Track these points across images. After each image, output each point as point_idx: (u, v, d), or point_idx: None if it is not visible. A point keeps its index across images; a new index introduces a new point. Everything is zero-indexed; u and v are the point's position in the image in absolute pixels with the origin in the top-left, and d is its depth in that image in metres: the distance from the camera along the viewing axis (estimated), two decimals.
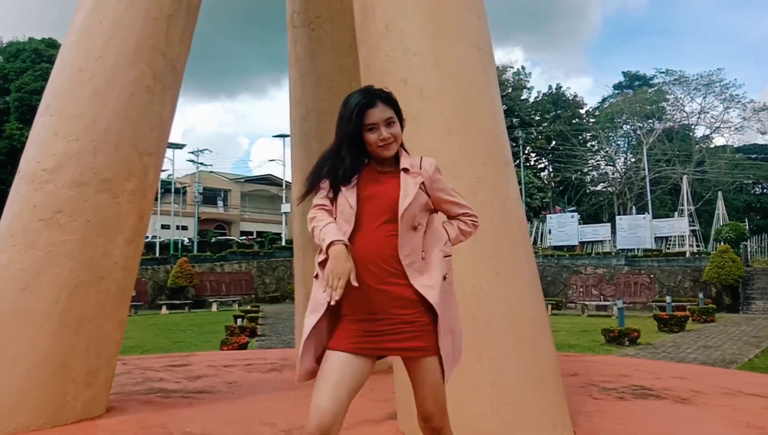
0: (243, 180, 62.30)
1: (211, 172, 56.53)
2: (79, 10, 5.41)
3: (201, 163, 50.71)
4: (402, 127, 2.47)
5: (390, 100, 2.45)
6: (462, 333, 2.51)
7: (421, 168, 2.44)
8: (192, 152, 51.55)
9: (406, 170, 2.41)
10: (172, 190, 46.57)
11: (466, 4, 4.67)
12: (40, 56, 39.13)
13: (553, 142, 59.39)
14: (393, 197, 2.34)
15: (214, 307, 29.82)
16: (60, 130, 5.01)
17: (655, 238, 36.92)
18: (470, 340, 3.96)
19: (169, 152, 43.19)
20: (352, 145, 2.38)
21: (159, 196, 38.32)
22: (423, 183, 2.42)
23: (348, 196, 2.34)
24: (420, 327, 2.32)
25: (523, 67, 71.61)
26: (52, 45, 39.15)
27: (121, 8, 5.25)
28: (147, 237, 6.14)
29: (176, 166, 57.13)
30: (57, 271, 4.79)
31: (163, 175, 41.58)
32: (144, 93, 5.30)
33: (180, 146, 47.41)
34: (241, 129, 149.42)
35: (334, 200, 2.38)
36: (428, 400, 2.39)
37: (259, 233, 53.69)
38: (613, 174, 57.49)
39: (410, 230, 2.35)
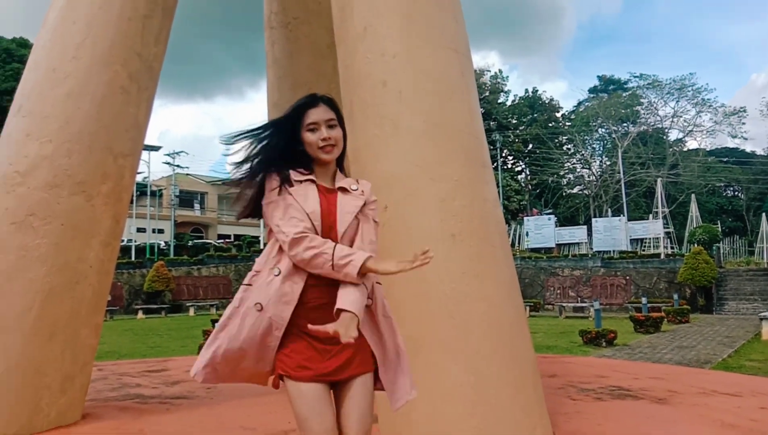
0: (220, 182, 61.58)
1: (188, 174, 55.93)
2: (52, 9, 5.31)
3: (177, 166, 50.17)
4: (344, 138, 2.37)
5: (333, 105, 2.35)
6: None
7: (362, 192, 2.35)
8: (168, 154, 51.04)
9: (343, 190, 2.31)
10: (148, 193, 46.00)
11: (443, 6, 4.68)
12: (11, 56, 38.43)
13: (530, 145, 59.93)
14: (333, 216, 2.25)
15: (192, 312, 29.49)
16: (33, 132, 4.92)
17: (631, 240, 37.39)
18: (449, 342, 3.97)
19: (144, 154, 42.75)
20: (286, 137, 2.28)
21: (135, 198, 37.84)
22: (361, 206, 2.32)
23: (302, 200, 2.22)
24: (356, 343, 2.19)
25: (500, 71, 72.15)
26: (24, 45, 38.49)
27: (95, 8, 5.17)
28: (123, 240, 6.05)
29: (152, 168, 56.33)
30: (30, 275, 4.69)
31: (139, 178, 41.05)
32: (119, 94, 5.22)
33: (156, 148, 46.88)
34: (218, 131, 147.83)
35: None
36: (361, 423, 2.24)
37: (237, 236, 53.23)
38: (588, 177, 58.19)
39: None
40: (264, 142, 2.29)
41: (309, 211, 2.19)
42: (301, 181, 2.26)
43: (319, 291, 2.20)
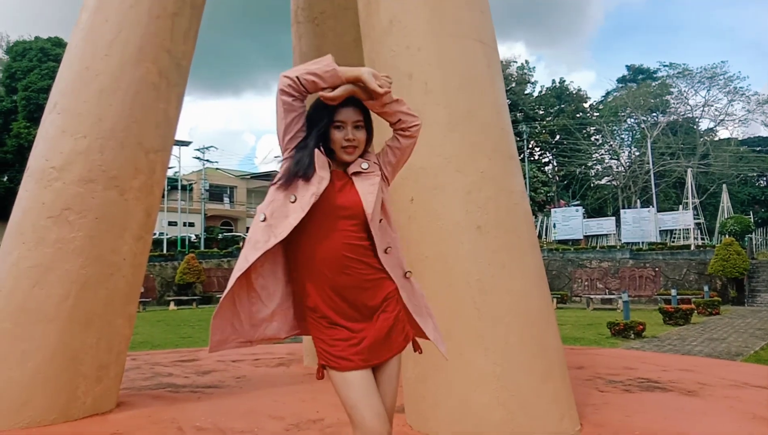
0: (249, 176, 62.34)
1: (217, 169, 56.64)
2: (84, 9, 5.44)
3: (207, 160, 50.86)
4: (370, 139, 2.43)
5: (363, 107, 2.39)
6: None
7: (372, 168, 2.39)
8: (198, 149, 51.67)
9: (357, 174, 2.36)
10: (179, 187, 46.69)
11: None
12: (46, 55, 39.29)
13: (557, 137, 59.26)
14: (357, 201, 2.30)
15: None
16: (68, 128, 5.05)
17: (660, 231, 36.83)
18: (476, 333, 4.01)
19: (175, 149, 43.33)
20: (318, 135, 2.32)
21: (166, 193, 38.44)
22: (382, 174, 2.40)
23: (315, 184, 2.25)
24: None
25: (526, 62, 71.53)
26: (59, 44, 39.30)
27: (126, 6, 5.28)
28: (154, 234, 6.19)
29: (182, 163, 57.19)
30: (66, 267, 4.84)
31: (170, 173, 41.74)
32: (150, 90, 5.33)
33: (186, 143, 47.52)
34: (247, 126, 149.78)
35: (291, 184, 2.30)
36: (390, 404, 2.33)
37: None
38: (617, 168, 57.36)
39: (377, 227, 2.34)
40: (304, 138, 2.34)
41: (302, 201, 2.24)
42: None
43: (349, 278, 2.25)
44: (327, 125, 2.33)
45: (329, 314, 2.26)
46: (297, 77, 2.25)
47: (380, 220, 2.35)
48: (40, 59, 39.18)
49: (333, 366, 2.23)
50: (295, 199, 2.26)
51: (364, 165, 2.38)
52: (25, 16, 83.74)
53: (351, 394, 2.21)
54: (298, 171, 2.27)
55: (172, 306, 28.00)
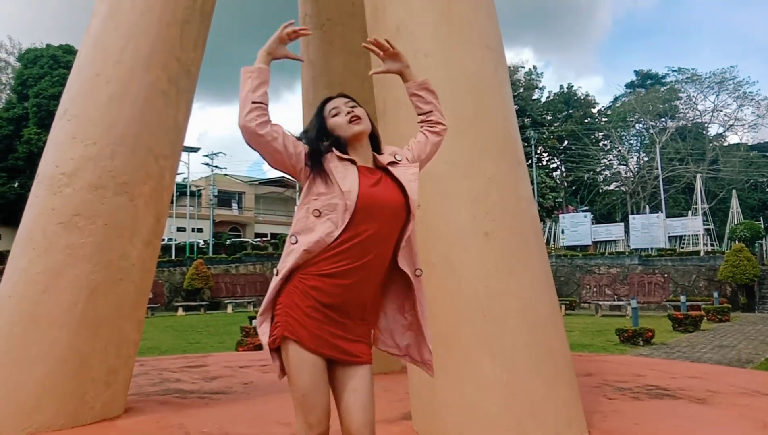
0: (257, 182, 62.56)
1: (226, 174, 56.85)
2: (95, 17, 5.49)
3: (216, 166, 51.07)
4: (375, 134, 2.44)
5: (351, 98, 2.45)
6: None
7: (404, 158, 2.42)
8: (207, 155, 52.03)
9: (393, 163, 2.36)
10: (188, 193, 46.90)
11: (476, 4, 4.69)
12: (57, 62, 39.66)
13: (565, 142, 59.14)
14: (394, 195, 2.29)
15: (230, 309, 29.98)
16: (78, 134, 5.09)
17: (669, 237, 36.67)
18: (483, 339, 3.99)
19: (184, 155, 43.55)
20: (320, 134, 2.35)
21: (175, 198, 38.61)
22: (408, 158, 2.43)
23: (344, 177, 2.24)
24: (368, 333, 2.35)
25: (534, 67, 71.22)
26: (69, 51, 39.65)
27: (136, 14, 5.33)
28: (163, 239, 6.21)
29: (191, 169, 57.57)
30: (76, 273, 4.87)
31: (179, 178, 41.94)
32: (159, 97, 5.37)
33: (195, 150, 47.75)
34: None
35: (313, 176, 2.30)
36: (367, 414, 2.27)
37: (273, 235, 53.88)
38: (626, 173, 57.17)
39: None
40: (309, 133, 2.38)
41: (345, 189, 2.20)
42: (341, 159, 2.30)
43: (355, 275, 2.22)
44: (322, 122, 2.36)
45: (315, 293, 2.20)
46: (255, 104, 2.28)
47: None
48: (51, 66, 39.55)
49: (298, 339, 2.17)
50: (326, 190, 2.24)
51: (398, 156, 2.39)
52: (36, 23, 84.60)
53: (305, 378, 2.18)
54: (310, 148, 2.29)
55: (180, 311, 28.09)
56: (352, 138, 2.34)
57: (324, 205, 2.21)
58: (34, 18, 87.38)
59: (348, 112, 2.34)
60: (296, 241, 2.23)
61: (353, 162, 2.31)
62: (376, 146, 2.44)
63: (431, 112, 2.50)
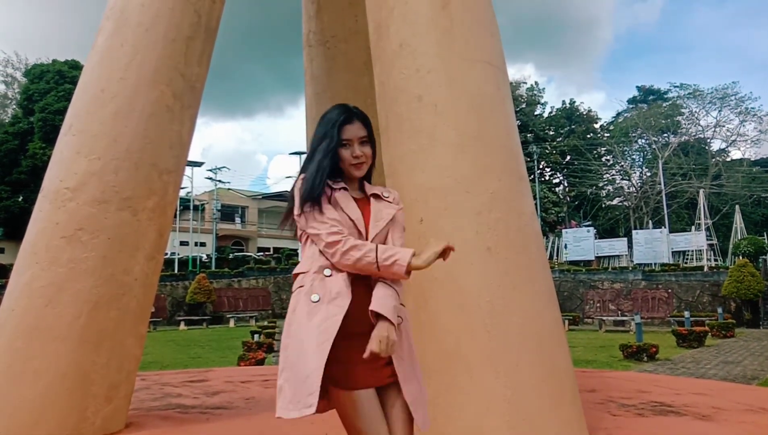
0: (260, 197, 62.72)
1: (229, 189, 57.02)
2: (101, 33, 5.54)
3: (219, 181, 51.25)
4: (374, 153, 2.46)
5: (366, 120, 2.44)
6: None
7: (393, 199, 2.46)
8: (210, 170, 52.13)
9: (376, 196, 2.42)
10: (191, 207, 47.02)
11: (479, 22, 4.73)
12: (63, 77, 39.98)
13: (568, 157, 59.22)
14: (365, 223, 2.34)
15: (232, 323, 29.93)
16: (82, 149, 5.12)
17: (673, 252, 36.58)
18: (486, 355, 3.98)
19: (188, 170, 43.68)
20: (328, 156, 2.35)
21: (178, 213, 38.70)
22: (393, 214, 2.42)
23: (345, 210, 2.31)
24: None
25: (536, 83, 71.75)
26: (75, 66, 39.99)
27: (141, 30, 5.38)
28: (166, 253, 6.22)
29: (195, 183, 57.71)
30: (78, 287, 4.87)
31: (182, 193, 41.99)
32: (164, 112, 5.41)
33: (199, 164, 47.96)
34: (259, 147, 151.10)
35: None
36: (407, 429, 2.25)
37: (276, 249, 53.93)
38: (628, 188, 57.18)
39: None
40: (312, 167, 2.36)
41: (354, 217, 2.30)
42: (338, 189, 2.36)
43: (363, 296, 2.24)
44: (336, 146, 2.36)
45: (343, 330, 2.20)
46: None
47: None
48: (57, 81, 39.86)
49: (342, 384, 2.17)
50: (336, 216, 2.29)
51: (386, 193, 2.45)
52: (43, 39, 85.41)
53: (361, 416, 2.15)
54: (313, 192, 2.29)
55: (182, 326, 28.04)
56: (348, 174, 2.42)
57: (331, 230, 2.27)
58: (42, 34, 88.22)
59: (355, 156, 2.37)
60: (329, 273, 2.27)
61: (346, 189, 2.38)
62: (368, 174, 2.49)
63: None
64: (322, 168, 2.32)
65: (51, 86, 39.67)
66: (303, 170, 2.38)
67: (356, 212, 2.32)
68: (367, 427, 2.15)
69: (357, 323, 2.20)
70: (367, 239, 2.31)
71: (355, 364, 2.17)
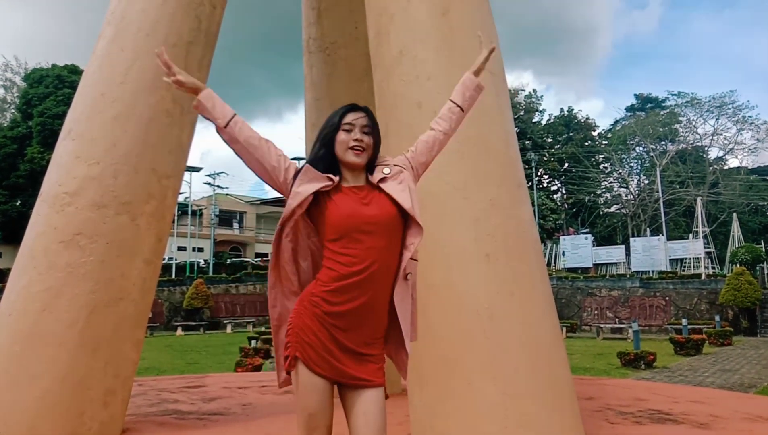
0: (258, 202, 62.63)
1: (228, 194, 56.95)
2: (101, 38, 5.55)
3: (218, 186, 51.17)
4: (377, 149, 2.43)
5: (371, 114, 2.43)
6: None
7: (393, 168, 2.40)
8: (209, 175, 52.09)
9: (383, 180, 2.34)
10: (189, 213, 46.95)
11: (477, 29, 4.74)
12: (62, 82, 39.94)
13: (566, 164, 59.28)
14: (384, 210, 2.28)
15: (229, 329, 29.85)
16: (81, 154, 5.12)
17: (670, 260, 36.61)
18: (485, 362, 3.98)
19: (186, 175, 43.70)
20: (327, 144, 2.34)
21: (176, 218, 38.65)
22: (406, 168, 2.42)
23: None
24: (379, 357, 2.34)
25: (534, 90, 71.89)
26: (74, 71, 39.96)
27: (142, 35, 5.39)
28: (164, 258, 6.21)
29: (193, 188, 57.87)
30: (76, 292, 4.86)
31: (181, 198, 42.00)
32: (163, 117, 5.41)
33: (197, 169, 47.91)
34: None
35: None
36: (375, 433, 2.24)
37: None
38: (626, 196, 57.25)
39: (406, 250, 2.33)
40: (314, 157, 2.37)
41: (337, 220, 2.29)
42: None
43: (357, 290, 2.23)
44: (335, 130, 2.34)
45: (326, 318, 2.24)
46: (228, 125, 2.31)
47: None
48: (56, 86, 39.83)
49: (309, 365, 2.22)
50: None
51: (386, 170, 2.38)
52: (43, 44, 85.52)
53: (313, 400, 2.23)
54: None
55: (179, 331, 27.96)
56: (345, 162, 2.35)
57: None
58: (41, 38, 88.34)
59: (356, 139, 2.32)
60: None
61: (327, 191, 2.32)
62: (371, 164, 2.42)
63: (457, 116, 2.62)
64: (317, 158, 2.33)
65: (50, 90, 39.64)
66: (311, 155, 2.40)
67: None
68: (306, 411, 2.24)
69: (350, 336, 2.24)
70: (409, 223, 2.31)
71: (323, 352, 2.22)
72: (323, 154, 2.34)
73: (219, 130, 2.30)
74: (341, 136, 2.33)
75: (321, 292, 2.24)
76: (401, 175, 2.37)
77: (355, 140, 2.32)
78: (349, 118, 2.35)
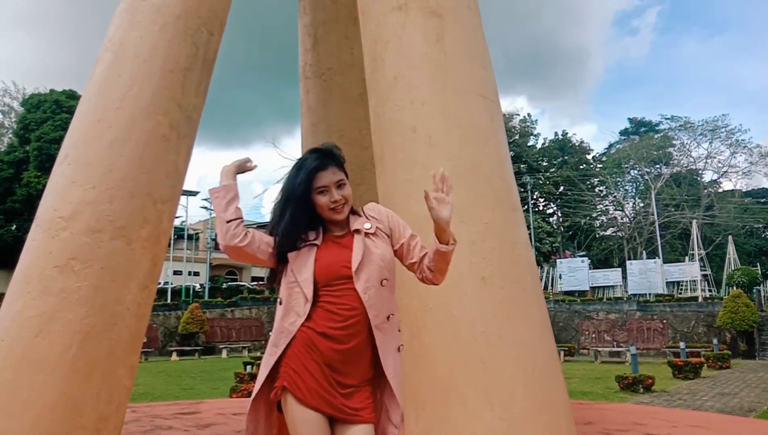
0: (255, 226, 62.39)
1: None
2: (99, 64, 5.60)
3: (214, 210, 51.18)
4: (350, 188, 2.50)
5: (340, 162, 2.46)
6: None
7: (370, 218, 2.46)
8: (205, 199, 52.07)
9: (357, 231, 2.40)
10: (185, 237, 46.87)
11: (472, 55, 4.81)
12: (60, 107, 40.13)
13: (561, 188, 59.56)
14: (345, 258, 2.36)
15: (225, 354, 29.59)
16: (77, 179, 5.12)
17: (667, 282, 36.61)
18: (481, 386, 3.95)
19: (182, 199, 43.72)
20: (301, 207, 2.36)
21: (172, 242, 38.57)
22: (384, 231, 2.45)
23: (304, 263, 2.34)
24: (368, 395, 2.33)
25: (529, 115, 72.40)
26: (72, 96, 40.17)
27: (139, 61, 5.43)
28: (159, 283, 6.18)
29: (189, 212, 57.59)
30: (70, 317, 4.82)
31: (177, 222, 41.99)
32: (160, 142, 5.43)
33: (194, 193, 47.95)
34: (255, 176, 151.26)
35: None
36: None
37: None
38: (622, 219, 57.45)
39: (378, 286, 2.33)
40: (285, 222, 2.38)
41: (300, 280, 2.30)
42: (305, 245, 2.37)
43: (351, 329, 2.25)
44: (307, 195, 2.35)
45: (316, 349, 2.25)
46: (231, 222, 2.45)
47: (382, 282, 2.34)
48: (53, 111, 39.99)
49: (298, 397, 2.19)
50: (295, 279, 2.32)
51: (367, 225, 2.42)
52: (41, 69, 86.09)
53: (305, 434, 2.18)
54: (283, 244, 2.35)
55: (174, 356, 27.70)
56: (329, 219, 2.42)
57: (288, 294, 2.33)
58: (39, 64, 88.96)
59: (334, 200, 2.36)
60: (280, 304, 2.37)
61: (315, 245, 2.37)
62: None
63: (429, 271, 2.59)
64: (296, 222, 2.35)
65: (48, 115, 39.80)
66: (275, 214, 2.41)
67: (305, 273, 2.29)
68: None
69: (342, 366, 2.24)
70: (352, 274, 2.29)
71: (314, 383, 2.21)
72: (299, 217, 2.36)
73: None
74: (319, 199, 2.37)
75: (312, 328, 2.28)
76: (386, 248, 2.44)
77: (334, 202, 2.37)
78: (322, 181, 2.37)
